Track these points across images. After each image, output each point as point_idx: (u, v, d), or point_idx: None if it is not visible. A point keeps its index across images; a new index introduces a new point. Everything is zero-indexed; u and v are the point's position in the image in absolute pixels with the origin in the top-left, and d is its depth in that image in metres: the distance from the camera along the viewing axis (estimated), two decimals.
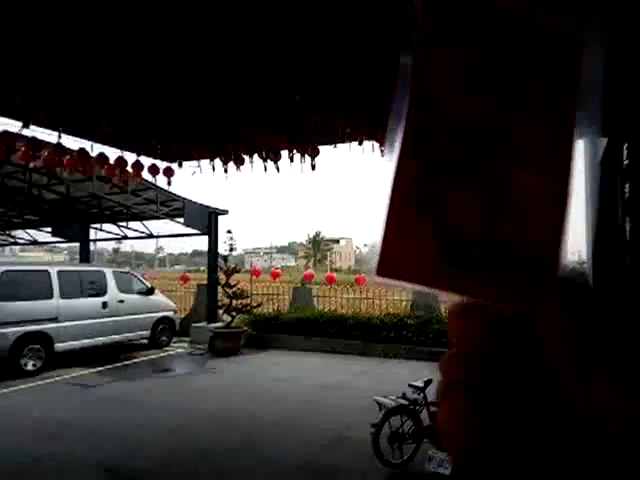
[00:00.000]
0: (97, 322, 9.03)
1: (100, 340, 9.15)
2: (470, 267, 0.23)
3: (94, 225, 13.79)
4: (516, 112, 0.24)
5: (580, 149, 0.24)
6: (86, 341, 8.86)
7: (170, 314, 10.88)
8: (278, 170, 6.95)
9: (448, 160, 0.23)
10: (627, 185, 3.90)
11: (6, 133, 5.98)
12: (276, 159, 6.77)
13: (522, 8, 0.25)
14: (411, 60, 0.24)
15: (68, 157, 7.13)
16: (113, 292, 9.51)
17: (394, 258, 0.23)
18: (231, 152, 6.48)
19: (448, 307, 0.25)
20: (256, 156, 6.70)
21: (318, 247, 72.27)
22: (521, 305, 0.23)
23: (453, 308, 0.24)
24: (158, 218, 12.19)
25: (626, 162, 3.99)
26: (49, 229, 14.33)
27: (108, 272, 9.71)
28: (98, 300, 9.17)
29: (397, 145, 0.23)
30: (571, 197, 0.24)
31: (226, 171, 6.96)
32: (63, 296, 8.49)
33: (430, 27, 0.24)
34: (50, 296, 8.33)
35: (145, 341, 10.32)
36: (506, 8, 0.24)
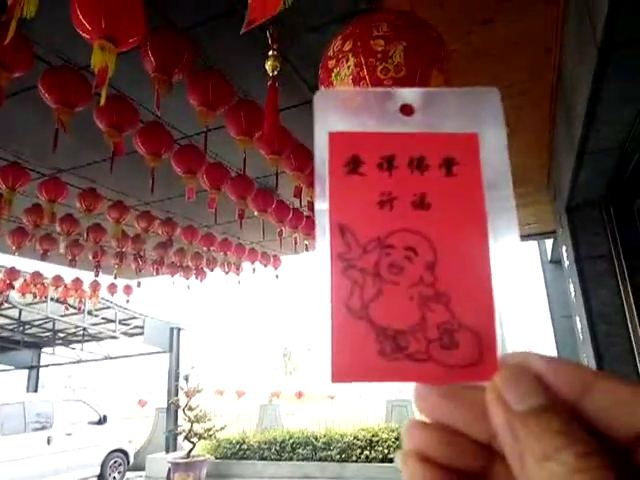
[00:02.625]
0: (39, 462, 8.00)
1: None
2: (410, 355, 0.26)
3: (46, 350, 12.96)
4: (425, 217, 0.28)
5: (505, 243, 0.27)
6: None
7: (124, 445, 9.83)
8: (239, 282, 6.97)
9: (369, 272, 0.27)
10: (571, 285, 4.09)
11: None
12: (237, 272, 6.81)
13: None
14: (326, 202, 0.28)
15: (21, 280, 6.95)
16: (60, 424, 8.62)
17: (343, 364, 0.26)
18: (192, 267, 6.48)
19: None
20: (218, 269, 6.74)
21: (289, 357, 69.79)
22: (465, 379, 0.25)
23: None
24: (116, 338, 11.63)
25: (567, 263, 4.23)
26: None
27: (57, 401, 8.88)
28: (42, 434, 8.23)
29: (328, 266, 0.27)
30: (492, 282, 0.26)
31: (188, 287, 6.90)
32: (2, 433, 7.59)
33: (338, 168, 0.28)
34: None
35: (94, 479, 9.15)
36: (402, 134, 0.29)
